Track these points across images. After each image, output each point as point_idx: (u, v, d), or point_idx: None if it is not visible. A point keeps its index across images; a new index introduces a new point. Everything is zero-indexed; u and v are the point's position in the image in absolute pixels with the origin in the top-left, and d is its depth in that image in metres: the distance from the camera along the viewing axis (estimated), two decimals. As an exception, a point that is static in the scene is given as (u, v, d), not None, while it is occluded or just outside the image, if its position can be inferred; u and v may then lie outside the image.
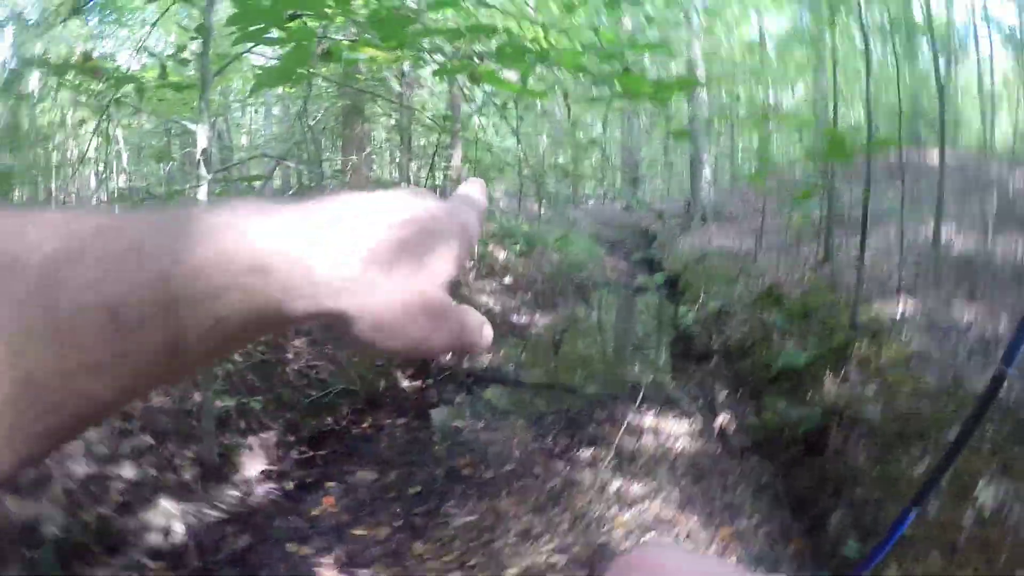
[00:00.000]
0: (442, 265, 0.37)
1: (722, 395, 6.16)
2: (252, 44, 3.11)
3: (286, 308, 0.31)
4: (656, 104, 2.95)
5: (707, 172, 16.90)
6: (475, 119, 11.95)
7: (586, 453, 5.18)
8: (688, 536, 4.09)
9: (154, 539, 4.14)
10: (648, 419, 5.80)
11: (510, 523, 4.24)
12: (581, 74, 3.10)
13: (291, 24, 3.04)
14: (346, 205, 0.35)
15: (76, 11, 5.67)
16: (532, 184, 15.54)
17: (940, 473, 1.79)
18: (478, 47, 3.54)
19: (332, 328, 0.34)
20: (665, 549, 0.24)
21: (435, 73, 4.10)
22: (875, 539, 2.16)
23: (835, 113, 8.69)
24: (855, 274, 6.13)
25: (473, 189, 0.48)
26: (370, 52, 3.40)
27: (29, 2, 11.83)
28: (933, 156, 10.09)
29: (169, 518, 4.26)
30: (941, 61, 9.00)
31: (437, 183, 14.71)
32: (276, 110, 17.79)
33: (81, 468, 4.32)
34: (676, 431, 5.60)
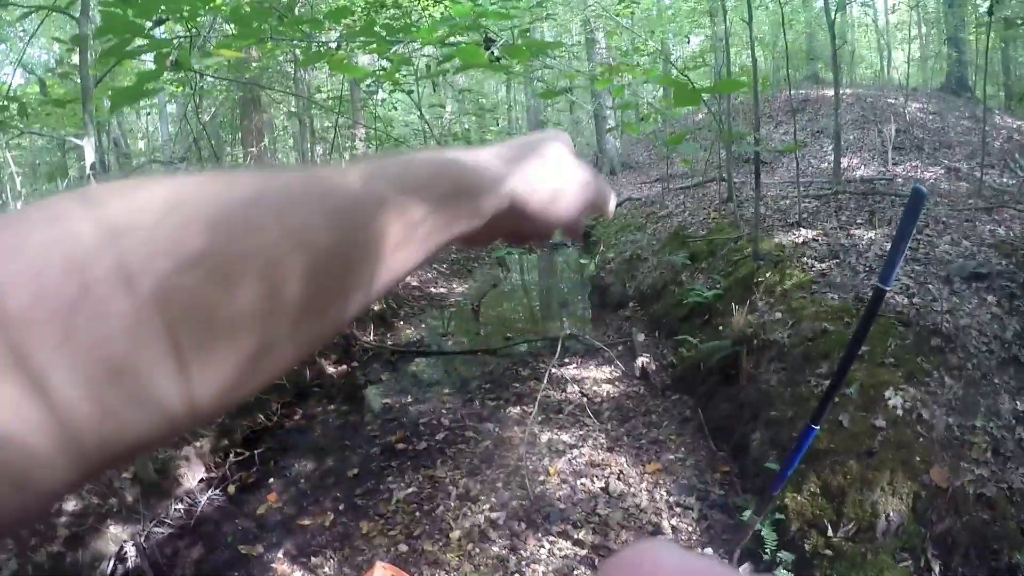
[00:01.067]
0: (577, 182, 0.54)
1: (640, 338, 6.31)
2: (118, 58, 3.07)
3: (503, 198, 0.45)
4: (502, 71, 3.02)
5: (610, 123, 17.02)
6: (374, 96, 11.85)
7: (513, 411, 5.31)
8: (620, 475, 4.22)
9: (109, 567, 4.12)
10: (571, 370, 5.94)
11: (448, 489, 4.35)
12: (441, 47, 3.14)
13: (154, 31, 3.03)
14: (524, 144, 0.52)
15: None
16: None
17: (834, 390, 1.90)
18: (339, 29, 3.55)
19: (514, 217, 0.48)
20: (659, 548, 0.25)
21: (300, 63, 4.11)
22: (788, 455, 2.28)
23: (727, 57, 8.88)
24: (754, 208, 6.31)
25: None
26: (224, 53, 3.38)
27: None
28: (831, 92, 10.38)
29: (120, 543, 4.24)
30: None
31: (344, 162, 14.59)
32: (171, 108, 17.23)
33: (24, 509, 4.24)
34: (599, 377, 5.75)
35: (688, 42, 20.88)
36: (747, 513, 3.51)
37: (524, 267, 11.74)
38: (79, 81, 4.25)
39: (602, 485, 4.15)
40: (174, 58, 2.94)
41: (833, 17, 8.11)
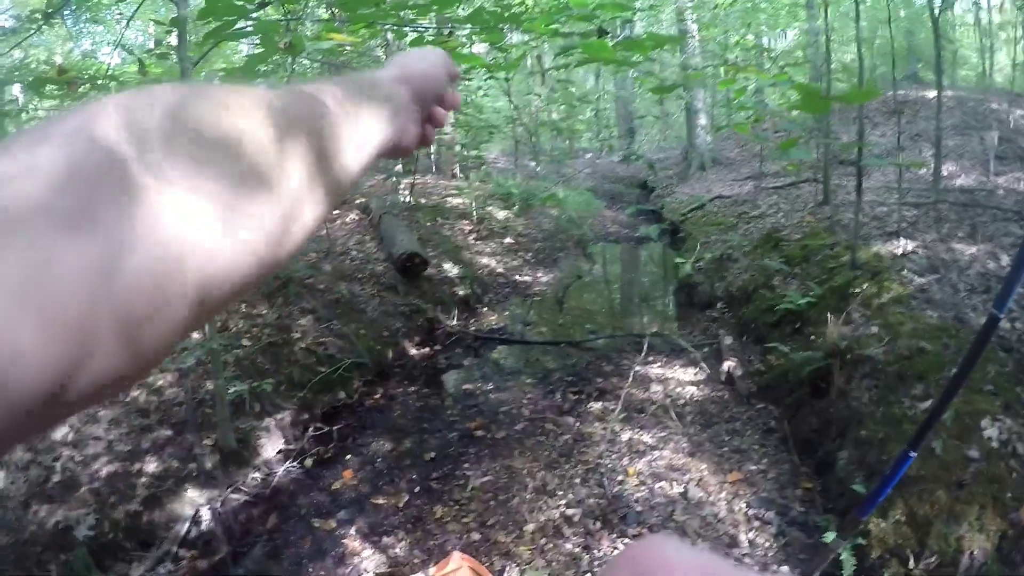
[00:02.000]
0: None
1: (727, 341, 6.19)
2: (219, 40, 3.13)
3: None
4: (625, 65, 2.98)
5: (703, 119, 16.70)
6: (463, 83, 11.88)
7: (595, 406, 5.25)
8: (700, 482, 4.16)
9: (183, 529, 4.24)
10: (655, 369, 5.85)
11: (525, 480, 4.32)
12: (554, 38, 3.10)
13: (259, 13, 3.07)
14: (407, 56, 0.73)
15: (50, 15, 5.62)
16: (526, 143, 15.44)
17: (935, 417, 1.83)
18: (450, 15, 3.54)
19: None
20: (667, 543, 0.25)
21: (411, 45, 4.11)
22: (879, 478, 2.21)
23: (828, 55, 8.59)
24: (853, 215, 6.14)
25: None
26: (336, 38, 3.40)
27: (3, 9, 11.77)
28: (932, 94, 10.03)
29: (196, 507, 4.36)
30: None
31: (432, 149, 14.69)
32: (264, 91, 17.62)
33: (105, 468, 4.41)
34: (683, 379, 5.66)
35: (784, 36, 20.46)
36: (830, 535, 3.42)
37: (609, 260, 11.60)
38: (178, 62, 4.35)
39: (681, 490, 4.09)
40: (288, 41, 2.97)
41: (937, 14, 7.78)
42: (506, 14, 3.02)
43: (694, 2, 15.98)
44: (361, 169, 0.53)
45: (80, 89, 4.40)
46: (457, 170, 14.72)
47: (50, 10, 5.68)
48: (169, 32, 4.60)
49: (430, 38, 3.69)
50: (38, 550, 3.88)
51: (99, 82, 4.31)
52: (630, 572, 0.24)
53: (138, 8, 5.64)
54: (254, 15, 3.17)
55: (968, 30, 20.61)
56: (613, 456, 4.50)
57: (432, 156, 14.42)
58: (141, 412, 4.83)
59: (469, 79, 10.21)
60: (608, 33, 2.89)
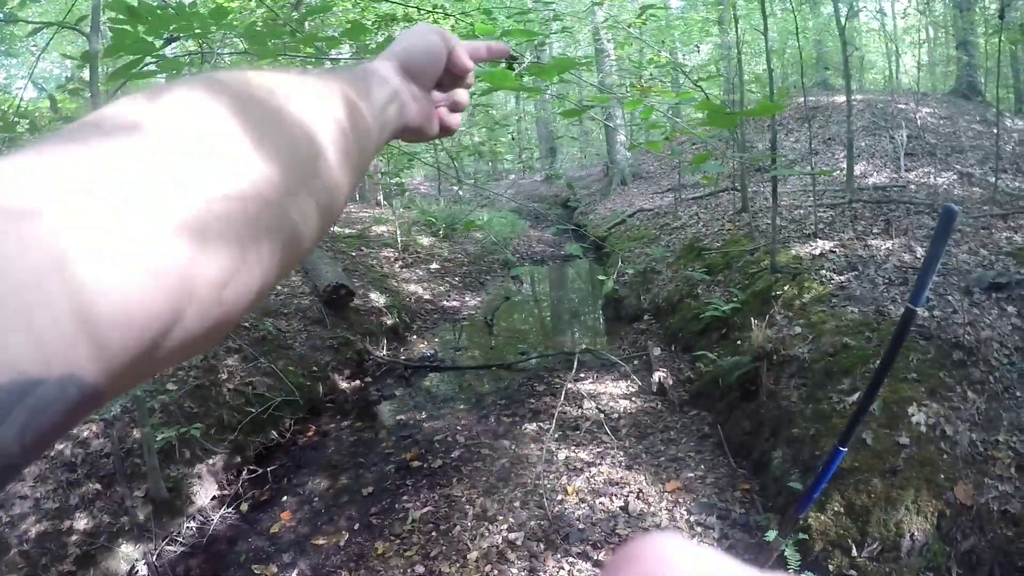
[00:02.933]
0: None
1: (656, 352, 6.25)
2: (128, 78, 3.07)
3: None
4: (531, 92, 2.98)
5: (621, 136, 16.93)
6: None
7: (530, 427, 5.24)
8: (639, 494, 4.17)
9: None
10: (587, 385, 5.88)
11: (465, 508, 4.29)
12: None
13: (164, 50, 3.01)
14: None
15: None
16: (448, 167, 15.48)
17: (862, 411, 1.85)
18: (366, 44, 3.52)
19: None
20: (670, 540, 0.25)
21: None
22: (812, 474, 2.24)
23: (740, 68, 8.79)
24: (771, 220, 6.27)
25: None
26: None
27: None
28: (842, 99, 10.33)
29: (131, 562, 4.23)
30: (842, 6, 9.17)
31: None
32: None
33: (34, 527, 4.25)
34: (615, 393, 5.69)
35: (698, 51, 20.90)
36: (772, 534, 3.46)
37: (536, 280, 11.63)
38: (90, 97, 4.26)
39: (621, 504, 4.10)
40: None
41: (843, 23, 8.05)
42: None
43: (608, 22, 16.20)
44: (378, 149, 0.58)
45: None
46: (380, 198, 14.69)
47: None
48: (82, 67, 4.50)
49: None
50: None
51: (11, 119, 4.18)
52: (632, 570, 0.23)
53: (50, 41, 5.53)
54: (162, 51, 3.11)
55: (874, 36, 21.37)
56: (551, 476, 4.48)
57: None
58: (68, 466, 4.67)
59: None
60: (517, 58, 2.90)
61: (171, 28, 3.13)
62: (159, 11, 2.98)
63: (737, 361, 4.93)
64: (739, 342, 5.35)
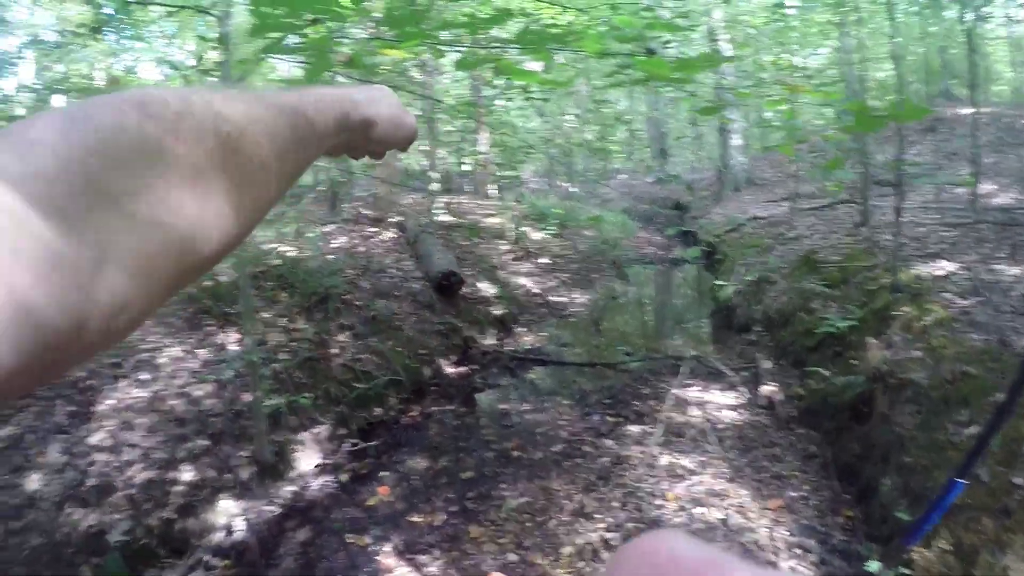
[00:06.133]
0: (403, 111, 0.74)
1: (765, 365, 6.13)
2: (272, 55, 3.19)
3: (353, 115, 0.65)
4: (678, 84, 2.94)
5: (736, 139, 16.61)
6: (498, 103, 11.91)
7: (633, 429, 5.20)
8: (740, 508, 4.12)
9: (217, 538, 4.28)
10: (693, 392, 5.80)
11: (562, 503, 4.29)
12: (602, 57, 3.11)
13: (309, 30, 3.12)
14: (361, 88, 0.71)
15: (96, 30, 5.79)
16: (561, 163, 15.46)
17: (983, 444, 1.80)
18: (498, 33, 3.55)
19: (360, 135, 0.68)
20: (675, 537, 0.25)
21: (457, 66, 4.12)
22: (925, 505, 2.18)
23: (862, 73, 8.53)
24: (893, 236, 6.08)
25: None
26: (392, 54, 3.44)
27: (48, 25, 12.14)
28: (966, 110, 9.93)
29: (230, 517, 4.40)
30: (969, 12, 8.79)
31: (467, 168, 14.73)
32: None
33: (141, 474, 4.46)
34: (722, 403, 5.59)
35: (815, 54, 20.36)
36: (874, 564, 3.37)
37: (644, 282, 11.50)
38: (222, 79, 4.45)
39: (721, 517, 4.04)
40: (348, 55, 3.01)
41: (971, 27, 7.68)
42: (553, 33, 3.03)
43: (727, 23, 15.92)
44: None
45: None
46: (492, 190, 14.81)
47: (96, 25, 5.83)
48: (212, 49, 4.69)
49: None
50: (70, 552, 3.93)
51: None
52: (637, 566, 0.24)
53: (182, 24, 5.79)
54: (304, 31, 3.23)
55: (1000, 44, 20.39)
56: (652, 480, 4.45)
57: (467, 175, 14.51)
58: (178, 421, 4.89)
59: (509, 99, 10.25)
60: (655, 53, 2.89)
61: (316, 8, 3.25)
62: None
63: (850, 381, 4.81)
64: (853, 361, 5.21)
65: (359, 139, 0.69)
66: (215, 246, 0.44)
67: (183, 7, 5.11)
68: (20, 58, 12.18)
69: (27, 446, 4.67)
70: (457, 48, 3.68)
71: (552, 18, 8.46)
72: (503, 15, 3.16)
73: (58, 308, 0.31)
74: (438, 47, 3.65)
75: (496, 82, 10.52)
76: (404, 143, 0.75)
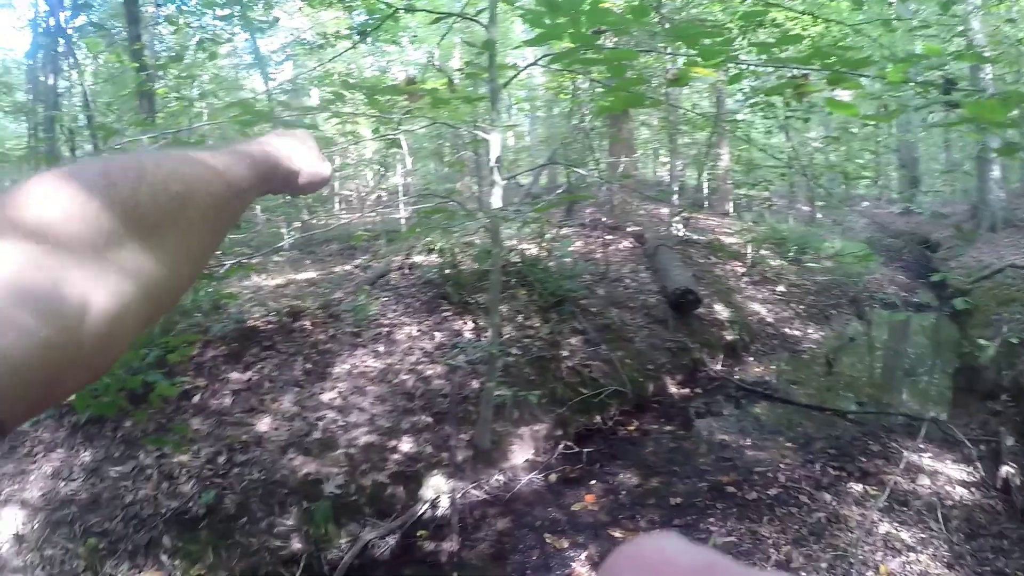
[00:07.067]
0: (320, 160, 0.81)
1: (1008, 442, 5.70)
2: (554, 63, 3.41)
3: (280, 169, 0.71)
4: (1001, 128, 2.61)
5: (996, 171, 14.93)
6: (739, 115, 11.59)
7: (855, 488, 4.97)
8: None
9: (421, 509, 4.61)
10: (925, 459, 5.45)
11: (768, 551, 4.22)
12: (903, 86, 3.06)
13: (597, 41, 3.29)
14: (284, 136, 0.78)
15: (364, 35, 6.29)
16: (803, 185, 14.87)
17: None
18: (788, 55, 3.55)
19: (283, 184, 0.75)
20: (669, 540, 0.25)
21: (729, 81, 4.15)
22: None
23: None
24: None
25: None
26: (700, 72, 3.51)
27: (307, 27, 13.57)
28: None
29: (437, 493, 4.70)
30: None
31: (706, 182, 14.50)
32: (539, 112, 18.82)
33: (364, 437, 4.85)
34: (953, 476, 5.23)
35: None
36: None
37: (883, 325, 10.68)
38: (488, 82, 4.74)
39: (932, 605, 3.84)
40: (675, 73, 3.16)
41: None
42: (858, 58, 3.00)
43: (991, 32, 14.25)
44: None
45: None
46: (730, 208, 14.51)
47: (364, 30, 6.33)
48: (479, 54, 4.97)
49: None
50: (284, 492, 4.34)
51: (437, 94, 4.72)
52: (632, 569, 0.24)
53: (448, 30, 6.15)
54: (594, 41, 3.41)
55: None
56: (866, 548, 4.26)
57: (708, 190, 14.31)
58: (407, 395, 5.26)
59: (759, 113, 9.97)
60: (955, 84, 2.81)
61: (605, 22, 3.41)
62: (585, 6, 3.26)
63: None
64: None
65: (281, 187, 0.75)
66: (174, 293, 0.52)
67: (449, 15, 5.42)
68: (291, 57, 14.59)
69: (264, 392, 5.21)
70: (754, 69, 3.72)
71: (803, 29, 8.24)
72: (795, 37, 3.19)
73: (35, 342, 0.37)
74: (739, 66, 3.69)
75: (736, 95, 10.26)
76: (319, 188, 0.82)
